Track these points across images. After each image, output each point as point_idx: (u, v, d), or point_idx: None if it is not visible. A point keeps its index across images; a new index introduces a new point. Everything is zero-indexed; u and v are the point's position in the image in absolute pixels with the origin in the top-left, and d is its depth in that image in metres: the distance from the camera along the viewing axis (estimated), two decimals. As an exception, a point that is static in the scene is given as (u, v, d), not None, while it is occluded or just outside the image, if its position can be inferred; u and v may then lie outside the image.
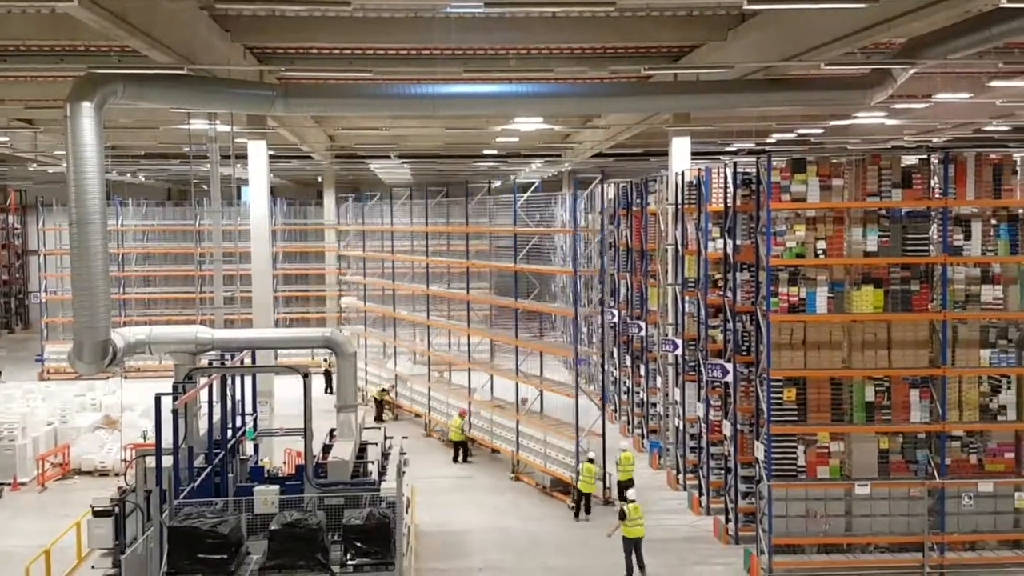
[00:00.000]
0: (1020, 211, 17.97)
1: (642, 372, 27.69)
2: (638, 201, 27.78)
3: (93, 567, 16.66)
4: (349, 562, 13.07)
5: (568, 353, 22.57)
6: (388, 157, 43.34)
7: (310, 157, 41.85)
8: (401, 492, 14.51)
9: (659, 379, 25.83)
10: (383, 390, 32.29)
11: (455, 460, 26.41)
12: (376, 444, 18.32)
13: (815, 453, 17.85)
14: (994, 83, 24.74)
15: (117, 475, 23.02)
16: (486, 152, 43.10)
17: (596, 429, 22.34)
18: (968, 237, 17.92)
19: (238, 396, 18.00)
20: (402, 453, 17.15)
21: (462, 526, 20.96)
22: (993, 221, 18.05)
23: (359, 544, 13.15)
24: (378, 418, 30.81)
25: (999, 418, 17.94)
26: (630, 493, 19.00)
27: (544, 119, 30.89)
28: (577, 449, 21.94)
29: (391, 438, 18.99)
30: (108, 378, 30.28)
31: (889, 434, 17.89)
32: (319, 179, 49.31)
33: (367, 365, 33.92)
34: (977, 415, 17.91)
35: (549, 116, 30.15)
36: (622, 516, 18.08)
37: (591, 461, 21.24)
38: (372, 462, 17.37)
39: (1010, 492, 17.85)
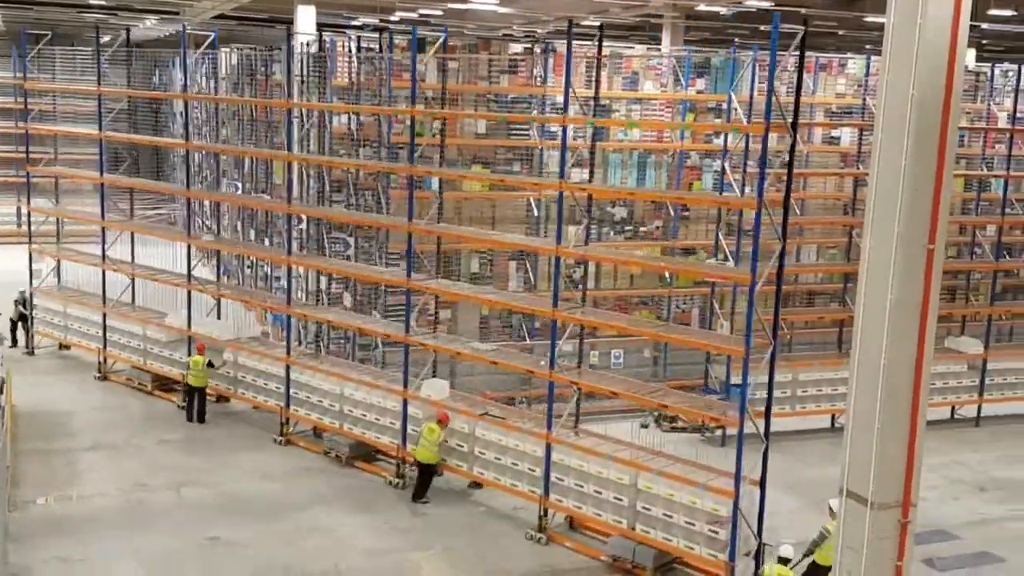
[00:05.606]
0: (606, 101, 20.25)
1: (267, 245, 27.67)
2: (263, 70, 27.10)
3: None
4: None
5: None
6: (-31, -1, 37.72)
7: None
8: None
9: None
10: (21, 294, 23.09)
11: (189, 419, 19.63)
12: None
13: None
14: (592, -20, 27.02)
15: None
16: (92, 2, 39.07)
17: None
18: (563, 123, 19.91)
19: None
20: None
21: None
22: (584, 110, 20.16)
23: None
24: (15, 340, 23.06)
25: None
26: None
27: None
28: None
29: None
30: None
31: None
32: None
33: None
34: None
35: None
36: None
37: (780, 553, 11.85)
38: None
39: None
